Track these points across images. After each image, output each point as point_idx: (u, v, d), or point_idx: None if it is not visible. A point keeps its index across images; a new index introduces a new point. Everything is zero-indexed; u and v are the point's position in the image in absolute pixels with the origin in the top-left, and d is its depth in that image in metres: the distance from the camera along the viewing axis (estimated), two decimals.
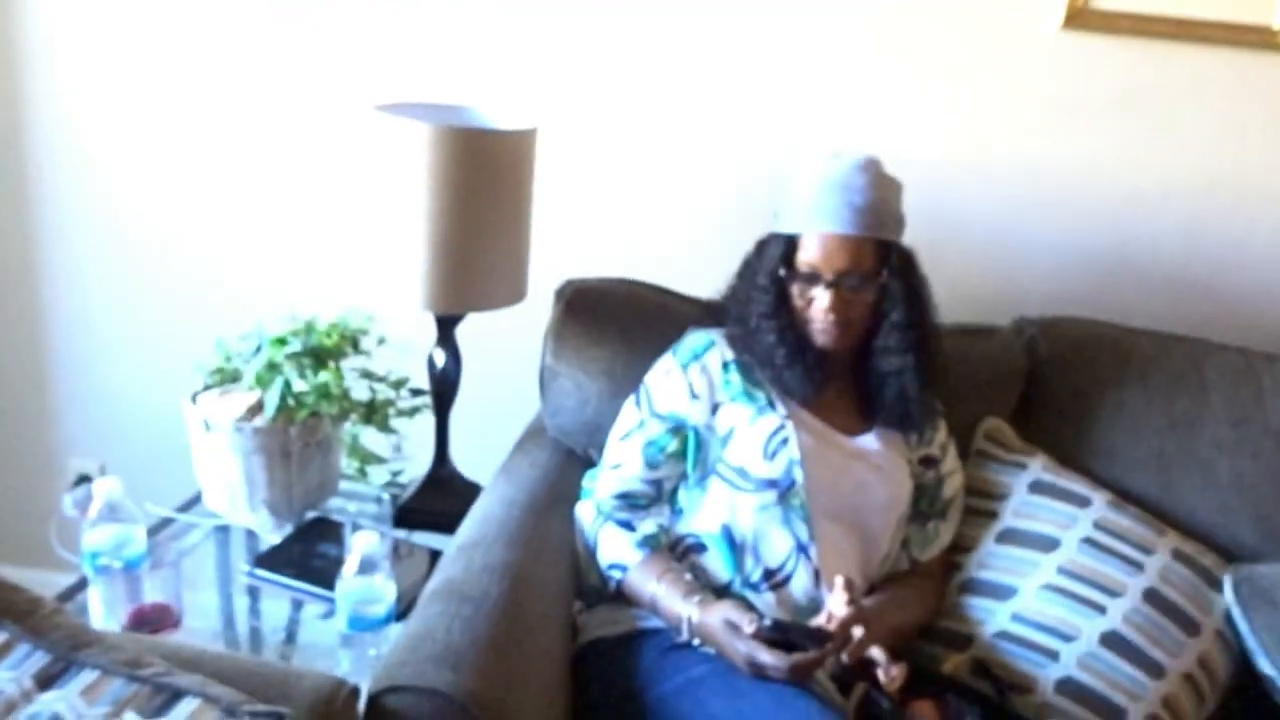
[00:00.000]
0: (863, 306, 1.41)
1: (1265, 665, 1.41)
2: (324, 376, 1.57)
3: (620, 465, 1.48)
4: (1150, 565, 1.47)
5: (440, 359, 1.73)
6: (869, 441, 1.47)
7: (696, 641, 1.33)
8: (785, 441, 1.40)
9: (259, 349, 1.62)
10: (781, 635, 1.25)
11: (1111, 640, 1.40)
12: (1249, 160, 1.76)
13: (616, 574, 1.42)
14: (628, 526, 1.46)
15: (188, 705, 0.93)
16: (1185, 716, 1.40)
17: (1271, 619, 1.40)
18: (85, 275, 2.16)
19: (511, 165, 1.57)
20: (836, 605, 1.28)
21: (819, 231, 1.39)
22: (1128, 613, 1.42)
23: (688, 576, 1.39)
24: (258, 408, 1.58)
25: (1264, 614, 1.41)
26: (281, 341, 1.60)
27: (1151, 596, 1.44)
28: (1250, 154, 1.75)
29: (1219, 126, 1.75)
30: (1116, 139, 1.78)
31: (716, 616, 1.29)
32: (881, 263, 1.40)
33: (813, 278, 1.40)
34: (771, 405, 1.43)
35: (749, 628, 1.25)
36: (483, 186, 1.54)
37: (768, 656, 1.23)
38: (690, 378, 1.46)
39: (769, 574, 1.40)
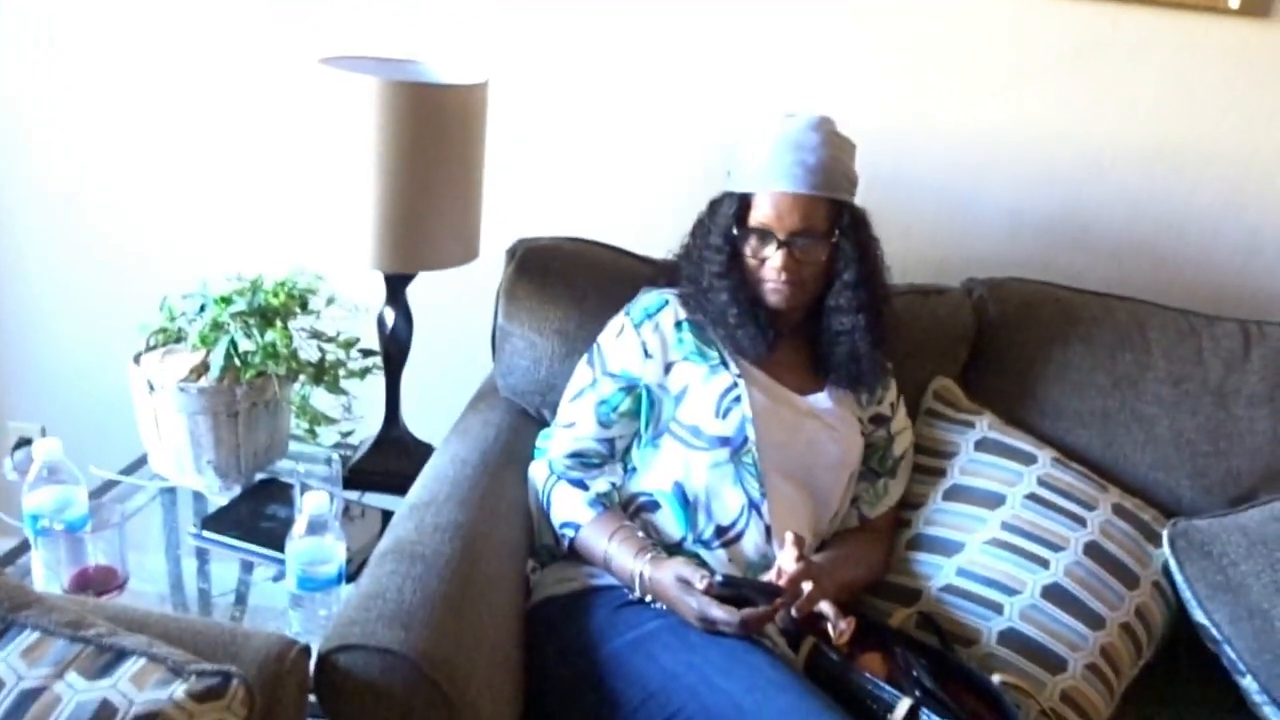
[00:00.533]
0: (815, 266, 1.42)
1: (1199, 615, 1.46)
2: (270, 336, 1.54)
3: (573, 424, 1.48)
4: (1092, 520, 1.51)
5: (390, 319, 1.71)
6: (820, 400, 1.48)
7: (649, 598, 1.34)
8: (738, 399, 1.41)
9: (203, 308, 1.59)
10: (732, 590, 1.27)
11: (1053, 593, 1.43)
12: (1195, 125, 1.78)
13: (569, 533, 1.43)
14: (580, 485, 1.46)
15: (132, 665, 0.92)
16: (1123, 665, 1.44)
17: (1206, 570, 1.44)
18: (22, 235, 2.09)
19: (462, 120, 1.55)
20: (786, 561, 1.30)
21: (772, 190, 1.38)
22: (1069, 566, 1.46)
23: (640, 534, 1.39)
24: (202, 368, 1.55)
25: (1199, 566, 1.45)
26: (226, 300, 1.57)
27: (1093, 550, 1.48)
28: (1196, 118, 1.78)
29: (1167, 90, 1.77)
30: (1066, 101, 1.79)
31: (668, 573, 1.30)
32: (834, 222, 1.41)
33: (765, 237, 1.40)
34: (724, 364, 1.44)
35: (700, 583, 1.26)
36: (432, 142, 1.51)
37: (719, 612, 1.25)
38: (643, 337, 1.45)
39: (721, 531, 1.41)
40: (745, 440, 1.40)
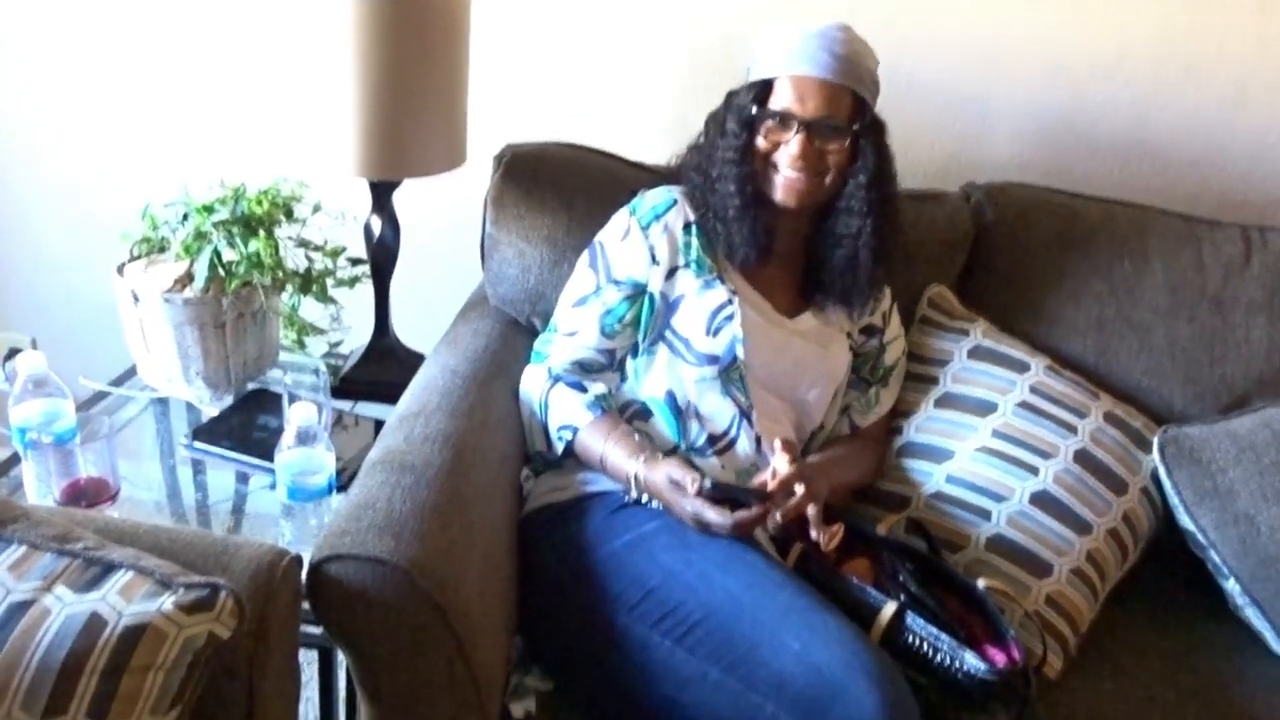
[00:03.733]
0: (835, 156, 1.37)
1: (1186, 520, 1.47)
2: (254, 245, 1.51)
3: (575, 333, 1.45)
4: (1083, 428, 1.50)
5: (377, 227, 1.68)
6: (807, 319, 1.47)
7: (645, 497, 1.34)
8: (730, 318, 1.39)
9: (186, 217, 1.56)
10: (722, 495, 1.27)
11: (1041, 499, 1.44)
12: (1203, 27, 1.72)
13: (567, 435, 1.41)
14: (579, 388, 1.44)
15: (120, 578, 0.92)
16: (1108, 570, 1.46)
17: (1194, 476, 1.45)
18: (5, 145, 2.05)
19: (445, 21, 1.49)
20: (780, 464, 1.29)
21: (796, 74, 1.34)
22: (1059, 473, 1.46)
23: (636, 436, 1.38)
24: (187, 278, 1.52)
25: (1187, 472, 1.45)
26: (209, 209, 1.54)
27: (1082, 457, 1.48)
28: (1205, 20, 1.71)
29: None
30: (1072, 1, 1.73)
31: (661, 473, 1.30)
32: (855, 116, 1.37)
33: (786, 121, 1.35)
34: (720, 279, 1.41)
35: (691, 487, 1.26)
36: (414, 44, 1.46)
37: (712, 514, 1.25)
38: (652, 240, 1.42)
39: (713, 439, 1.41)
40: (734, 359, 1.38)
